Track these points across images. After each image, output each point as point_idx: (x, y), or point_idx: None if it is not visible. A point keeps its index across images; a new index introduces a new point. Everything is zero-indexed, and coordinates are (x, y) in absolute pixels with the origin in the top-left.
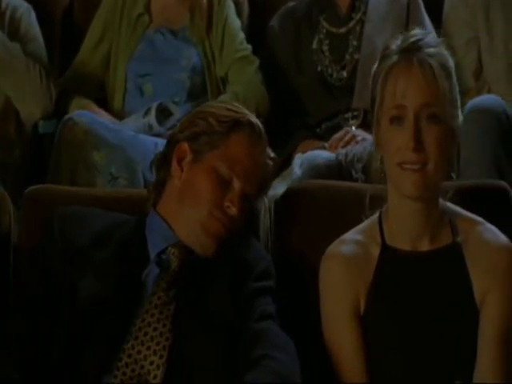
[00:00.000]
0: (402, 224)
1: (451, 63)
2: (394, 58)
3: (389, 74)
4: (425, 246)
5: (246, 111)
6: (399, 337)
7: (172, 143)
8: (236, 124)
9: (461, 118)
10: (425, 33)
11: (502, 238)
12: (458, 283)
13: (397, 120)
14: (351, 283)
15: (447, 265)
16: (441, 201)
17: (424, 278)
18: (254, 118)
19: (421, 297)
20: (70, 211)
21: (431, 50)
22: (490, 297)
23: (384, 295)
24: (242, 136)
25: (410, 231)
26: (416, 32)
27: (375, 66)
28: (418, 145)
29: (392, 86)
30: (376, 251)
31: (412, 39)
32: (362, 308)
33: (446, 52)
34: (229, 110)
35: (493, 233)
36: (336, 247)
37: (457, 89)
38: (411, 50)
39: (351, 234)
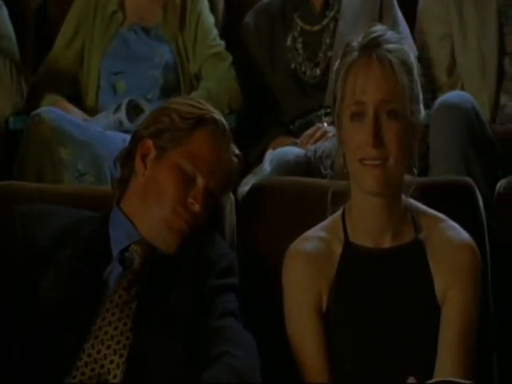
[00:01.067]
0: (364, 220)
1: (412, 59)
2: (354, 54)
3: (349, 70)
4: (387, 242)
5: (211, 108)
6: (361, 334)
7: (136, 140)
8: (199, 121)
9: (423, 113)
10: (385, 29)
11: (465, 235)
12: (419, 280)
13: (357, 116)
14: (313, 280)
15: (409, 261)
16: (403, 197)
17: (386, 275)
18: (217, 115)
19: (382, 294)
20: (32, 209)
21: (391, 45)
22: (451, 294)
23: (346, 292)
24: (205, 133)
25: (372, 227)
26: (376, 28)
27: (337, 63)
28: (378, 141)
29: (352, 82)
30: (338, 248)
31: (372, 35)
32: (324, 305)
33: (406, 48)
34: (193, 106)
35: (455, 230)
36: (299, 244)
37: (418, 84)
38: (371, 47)
39: (314, 231)
